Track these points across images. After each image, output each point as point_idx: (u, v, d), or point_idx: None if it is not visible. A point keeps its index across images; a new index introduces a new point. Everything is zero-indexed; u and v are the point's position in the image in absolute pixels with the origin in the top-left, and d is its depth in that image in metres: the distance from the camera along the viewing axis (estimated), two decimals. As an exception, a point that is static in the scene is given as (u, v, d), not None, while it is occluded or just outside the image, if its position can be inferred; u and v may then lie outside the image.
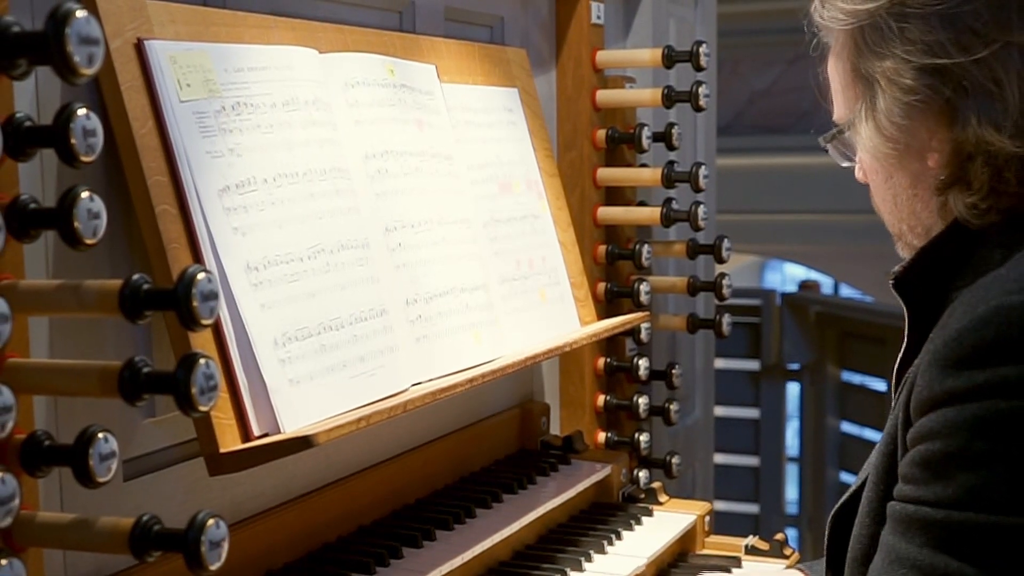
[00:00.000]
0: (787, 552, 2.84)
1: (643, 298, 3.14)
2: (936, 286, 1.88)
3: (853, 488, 1.98)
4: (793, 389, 8.60)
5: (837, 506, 2.01)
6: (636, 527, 2.85)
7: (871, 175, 1.99)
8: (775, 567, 2.61)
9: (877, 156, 1.92)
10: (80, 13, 1.37)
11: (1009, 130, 1.76)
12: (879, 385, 7.86)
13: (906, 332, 1.93)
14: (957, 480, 1.63)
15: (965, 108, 1.79)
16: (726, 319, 3.27)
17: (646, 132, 3.13)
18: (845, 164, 2.08)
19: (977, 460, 1.62)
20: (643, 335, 3.23)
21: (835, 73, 1.99)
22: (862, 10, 1.87)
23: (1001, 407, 1.60)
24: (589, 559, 2.59)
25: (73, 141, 1.44)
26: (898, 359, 1.93)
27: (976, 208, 1.81)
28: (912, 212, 1.93)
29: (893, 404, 1.92)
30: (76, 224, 1.46)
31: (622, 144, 3.17)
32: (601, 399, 3.20)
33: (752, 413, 8.47)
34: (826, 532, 2.04)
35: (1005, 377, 1.60)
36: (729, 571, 2.71)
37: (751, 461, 8.50)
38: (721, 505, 7.02)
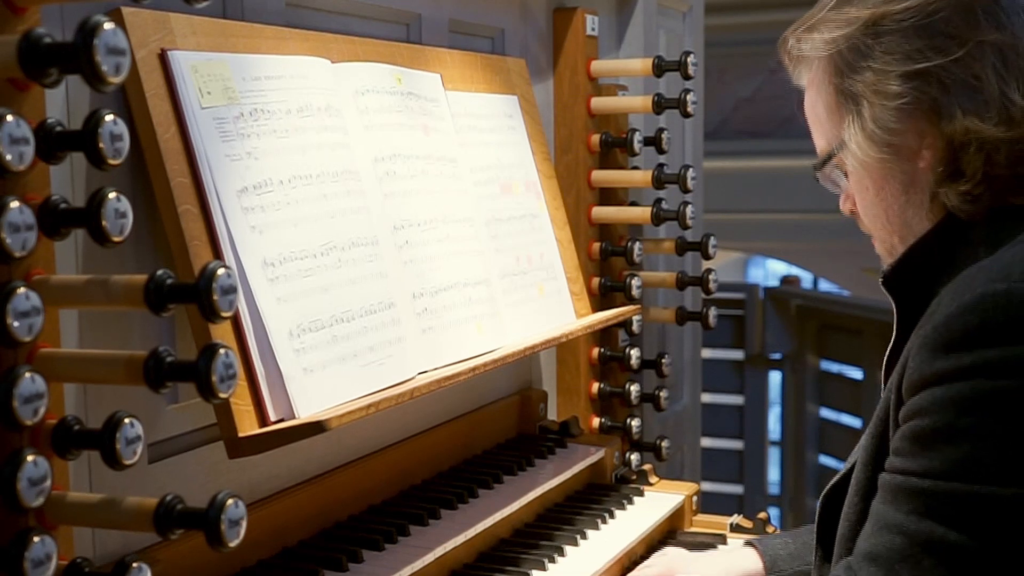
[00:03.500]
0: (769, 530, 2.84)
1: (635, 292, 3.14)
2: (922, 283, 1.89)
3: (844, 470, 1.99)
4: (775, 377, 8.61)
5: (828, 487, 2.02)
6: (628, 507, 2.86)
7: (861, 194, 1.97)
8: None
9: (869, 167, 1.91)
10: (108, 25, 1.37)
11: (993, 118, 1.78)
12: (856, 373, 7.87)
13: (895, 326, 1.93)
14: (943, 453, 1.65)
15: (950, 104, 1.81)
16: (712, 312, 3.28)
17: (637, 137, 3.13)
18: (834, 191, 2.06)
19: (962, 435, 1.63)
20: (635, 327, 3.23)
21: (817, 102, 1.98)
22: (839, 36, 1.89)
23: (986, 386, 1.62)
24: (584, 536, 2.59)
25: (101, 145, 1.44)
26: (888, 350, 1.94)
27: (970, 195, 1.82)
28: (904, 221, 1.92)
29: (883, 387, 1.92)
30: (104, 223, 1.46)
31: (615, 148, 3.17)
32: (595, 387, 3.20)
33: (737, 400, 8.49)
34: (816, 512, 2.05)
35: (989, 359, 1.62)
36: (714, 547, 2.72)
37: (736, 445, 8.51)
38: (708, 486, 7.01)
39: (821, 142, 2.01)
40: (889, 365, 1.92)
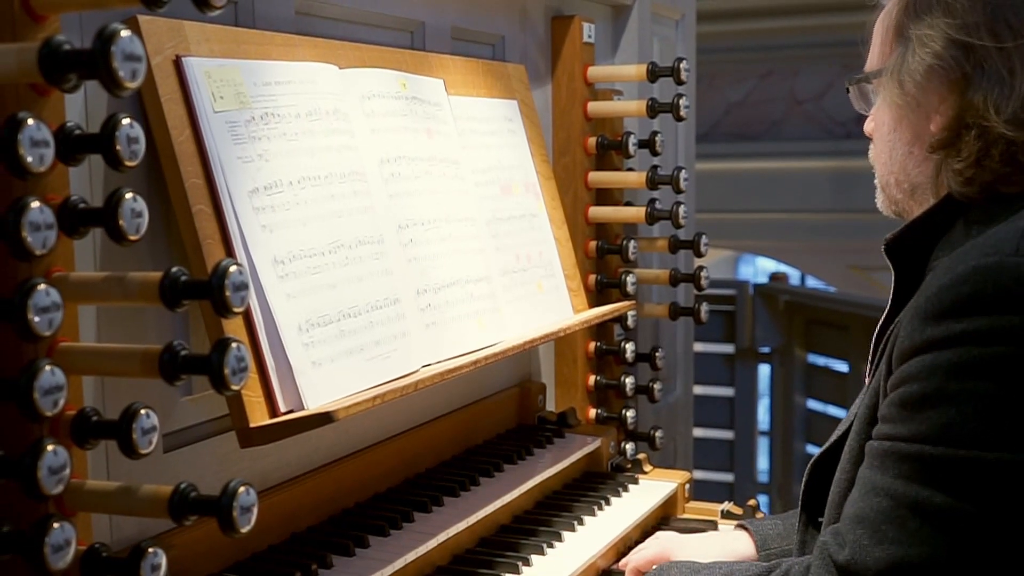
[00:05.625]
0: (758, 516, 2.84)
1: (629, 288, 3.15)
2: (921, 254, 1.93)
3: (832, 440, 2.00)
4: (764, 370, 8.59)
5: (818, 454, 2.03)
6: (623, 494, 2.86)
7: (878, 126, 2.01)
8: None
9: (891, 105, 1.95)
10: (124, 33, 1.37)
11: (1006, 114, 1.80)
12: (842, 367, 7.86)
13: (891, 295, 1.95)
14: (931, 418, 1.65)
15: (977, 84, 1.83)
16: (704, 307, 3.28)
17: (632, 139, 3.13)
18: (859, 110, 2.11)
19: (949, 400, 1.64)
20: (629, 322, 3.23)
21: (880, 27, 2.02)
22: None
23: (974, 353, 1.63)
24: (581, 522, 2.59)
25: (118, 148, 1.44)
26: (881, 320, 1.95)
27: (962, 175, 1.85)
28: (903, 167, 1.97)
29: (872, 360, 1.93)
30: (121, 222, 1.46)
31: (611, 150, 3.17)
32: (592, 379, 3.20)
33: (727, 391, 8.47)
34: (804, 478, 2.06)
35: (979, 328, 1.63)
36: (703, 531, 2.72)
37: (726, 435, 8.49)
38: (699, 474, 7.02)
39: (870, 60, 2.05)
40: (880, 334, 1.93)
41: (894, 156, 1.98)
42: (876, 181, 2.05)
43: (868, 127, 2.08)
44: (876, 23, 2.04)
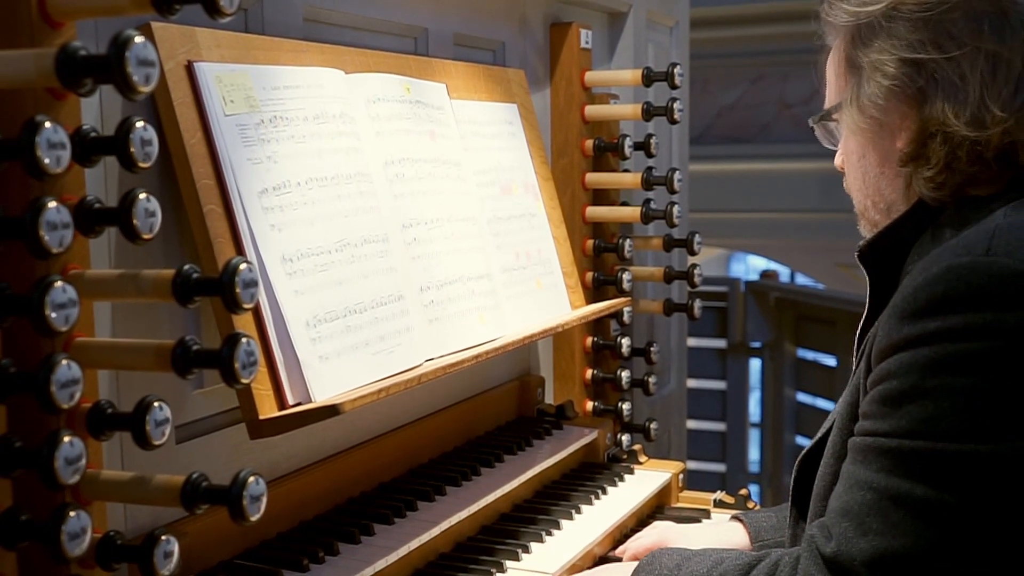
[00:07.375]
0: (750, 505, 2.84)
1: (625, 285, 3.14)
2: (895, 259, 1.92)
3: (817, 436, 2.00)
4: (755, 364, 8.61)
5: (804, 452, 2.03)
6: (619, 484, 2.86)
7: (848, 156, 2.02)
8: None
9: (856, 132, 1.96)
10: (138, 39, 1.37)
11: (965, 117, 1.81)
12: (830, 361, 7.87)
13: (868, 300, 1.95)
14: (910, 413, 1.65)
15: (933, 96, 1.84)
16: (697, 303, 3.28)
17: (628, 142, 3.13)
18: (827, 146, 2.11)
19: (927, 395, 1.64)
20: (625, 317, 3.23)
21: (832, 64, 2.03)
22: (862, 12, 1.92)
23: (949, 350, 1.63)
24: (579, 511, 2.59)
25: (132, 149, 1.44)
26: (861, 322, 1.95)
27: (933, 182, 1.85)
28: (877, 189, 1.97)
29: (856, 360, 1.93)
30: (135, 221, 1.46)
31: (607, 152, 3.17)
32: (589, 373, 3.20)
33: (720, 385, 8.48)
34: (792, 475, 2.06)
35: (953, 325, 1.63)
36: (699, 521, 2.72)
37: (719, 427, 8.51)
38: (693, 465, 7.01)
39: (828, 98, 2.06)
40: (861, 337, 1.93)
41: (867, 180, 1.98)
42: (855, 208, 2.04)
43: (838, 160, 2.07)
44: (828, 62, 2.05)
